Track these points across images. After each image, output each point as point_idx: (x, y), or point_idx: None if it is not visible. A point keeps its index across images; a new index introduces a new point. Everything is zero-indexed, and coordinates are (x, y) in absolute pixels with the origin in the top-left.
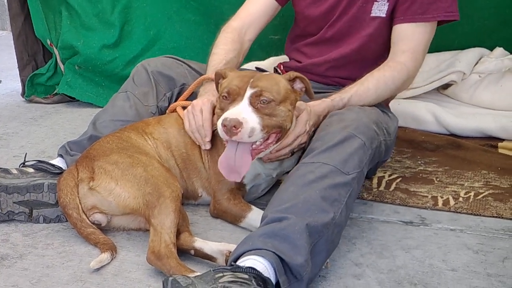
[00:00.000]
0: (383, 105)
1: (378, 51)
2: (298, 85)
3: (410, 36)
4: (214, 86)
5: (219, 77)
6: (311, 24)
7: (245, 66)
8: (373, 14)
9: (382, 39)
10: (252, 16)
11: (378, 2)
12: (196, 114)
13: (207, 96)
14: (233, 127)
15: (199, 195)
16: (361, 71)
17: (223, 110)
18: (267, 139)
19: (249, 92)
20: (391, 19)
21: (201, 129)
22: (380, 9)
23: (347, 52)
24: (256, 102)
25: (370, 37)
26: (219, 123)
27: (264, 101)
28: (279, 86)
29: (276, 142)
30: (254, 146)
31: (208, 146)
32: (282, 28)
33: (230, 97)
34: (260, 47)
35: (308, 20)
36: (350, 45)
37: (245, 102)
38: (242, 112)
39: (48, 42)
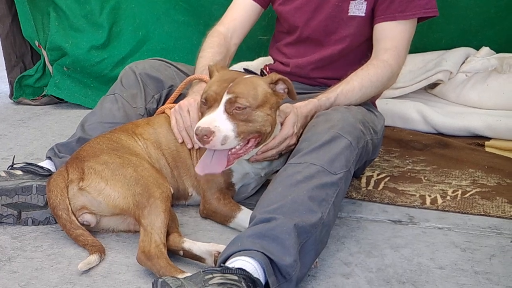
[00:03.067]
0: (369, 103)
1: (361, 50)
2: (280, 86)
3: (391, 34)
4: (202, 86)
5: (209, 73)
6: (285, 21)
7: (234, 66)
8: (351, 13)
9: (364, 38)
10: (236, 21)
11: (355, 1)
12: (183, 114)
13: (194, 96)
14: (205, 136)
15: (190, 194)
16: (345, 71)
17: (202, 114)
18: (247, 143)
19: (225, 98)
20: (371, 18)
21: (190, 129)
22: (358, 8)
23: (330, 53)
24: (231, 109)
25: (351, 37)
26: (193, 131)
27: (239, 107)
28: (257, 91)
29: (257, 146)
30: (233, 150)
31: (197, 145)
32: (270, 28)
33: (208, 103)
34: (248, 48)
35: (282, 17)
36: (332, 46)
37: (220, 109)
38: (216, 120)
39: (36, 43)
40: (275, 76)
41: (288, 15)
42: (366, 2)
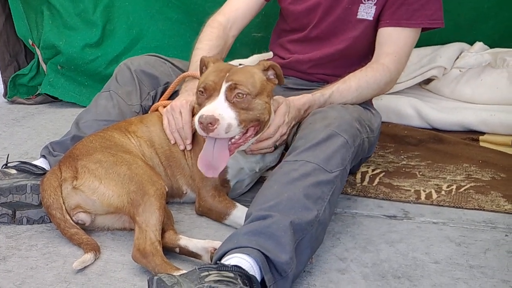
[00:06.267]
0: (366, 101)
1: (363, 51)
2: (271, 72)
3: (394, 40)
4: (195, 84)
5: (202, 64)
6: (295, 21)
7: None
8: (359, 17)
9: (368, 41)
10: (237, 11)
11: (365, 4)
12: (175, 116)
13: (186, 96)
14: (209, 124)
15: (184, 192)
16: (345, 70)
17: (200, 105)
18: (246, 132)
19: (224, 87)
20: (377, 22)
21: (181, 131)
22: (367, 12)
23: (332, 52)
24: (232, 97)
25: (356, 39)
26: (196, 120)
27: (240, 95)
28: (255, 78)
29: (255, 135)
30: (233, 140)
31: (189, 147)
32: (264, 25)
33: (207, 93)
34: (243, 45)
35: (293, 16)
36: (335, 46)
37: (221, 97)
38: (218, 108)
39: (30, 42)
40: (266, 63)
41: (300, 15)
42: (375, 7)
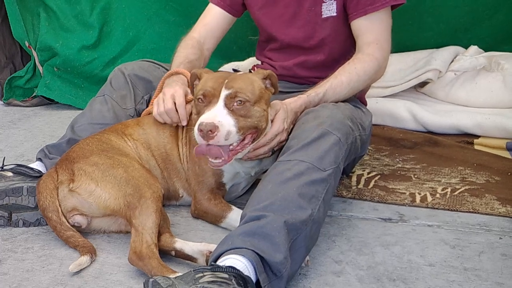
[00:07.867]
0: (356, 100)
1: (343, 48)
2: (268, 81)
3: (369, 28)
4: (180, 78)
5: (194, 78)
6: (264, 30)
7: (225, 66)
8: (324, 15)
9: (343, 36)
10: (207, 26)
11: (326, 2)
12: (166, 98)
13: (174, 86)
14: (209, 131)
15: (180, 195)
16: (331, 69)
17: (199, 113)
18: (243, 139)
19: (224, 93)
20: (344, 17)
21: (170, 112)
22: (329, 9)
23: (312, 58)
24: (231, 104)
25: (330, 38)
26: (195, 128)
27: (239, 102)
28: (254, 86)
29: (252, 142)
30: (231, 147)
31: (184, 123)
32: None
33: (206, 100)
34: (239, 48)
35: (260, 26)
36: (314, 51)
37: (220, 104)
38: (218, 115)
39: (26, 44)
40: (265, 71)
41: (266, 26)
42: (335, 2)
